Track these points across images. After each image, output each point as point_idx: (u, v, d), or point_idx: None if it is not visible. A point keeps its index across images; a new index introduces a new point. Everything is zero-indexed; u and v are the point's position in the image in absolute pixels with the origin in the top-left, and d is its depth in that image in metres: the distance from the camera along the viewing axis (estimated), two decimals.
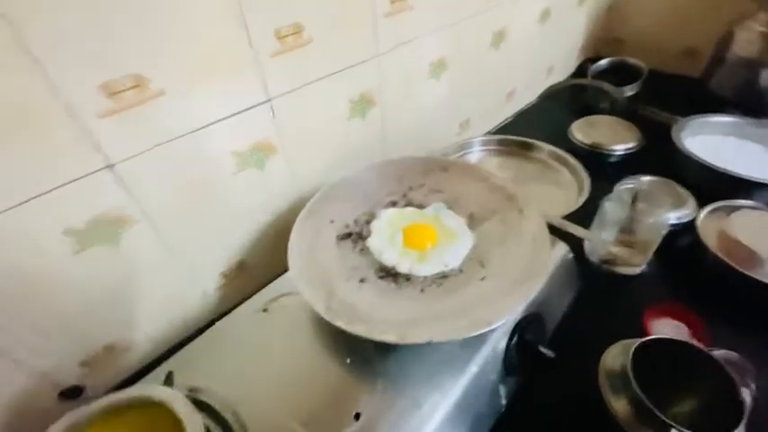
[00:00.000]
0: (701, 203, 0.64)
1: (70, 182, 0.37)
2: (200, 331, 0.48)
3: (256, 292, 0.51)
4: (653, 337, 0.37)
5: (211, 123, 0.45)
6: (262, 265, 0.60)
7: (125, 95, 0.38)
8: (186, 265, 0.51)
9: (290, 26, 0.48)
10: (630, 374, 0.34)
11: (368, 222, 0.50)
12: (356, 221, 0.50)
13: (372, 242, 0.46)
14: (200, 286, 0.55)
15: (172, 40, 0.39)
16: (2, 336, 0.39)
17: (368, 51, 0.58)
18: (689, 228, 0.62)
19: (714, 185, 0.68)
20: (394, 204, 0.52)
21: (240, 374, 0.40)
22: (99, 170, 0.39)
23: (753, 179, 0.65)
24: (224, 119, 0.46)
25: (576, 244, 0.57)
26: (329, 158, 0.61)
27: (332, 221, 0.50)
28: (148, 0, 0.36)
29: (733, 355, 0.46)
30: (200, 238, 0.51)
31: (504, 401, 0.42)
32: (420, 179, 0.54)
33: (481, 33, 0.77)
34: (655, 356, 0.36)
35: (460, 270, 0.43)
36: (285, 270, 0.52)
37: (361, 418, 0.35)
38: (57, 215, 0.38)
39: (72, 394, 0.47)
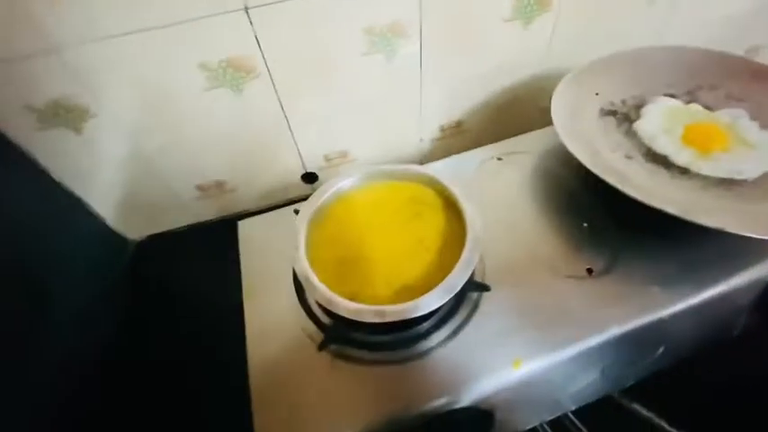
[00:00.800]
0: None
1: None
2: None
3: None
4: None
5: None
6: (477, 130, 0.60)
7: None
8: (419, 106, 0.53)
9: None
10: None
11: (638, 107, 0.44)
12: (623, 102, 0.45)
13: (643, 126, 0.41)
14: (419, 131, 0.58)
15: None
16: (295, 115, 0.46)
17: None
18: None
19: None
20: (673, 97, 0.45)
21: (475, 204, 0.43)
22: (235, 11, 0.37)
23: None
24: None
25: None
26: (603, 33, 0.53)
27: (597, 94, 0.45)
28: None
29: None
30: (442, 81, 0.51)
31: (735, 333, 0.38)
32: (716, 80, 0.45)
33: None
34: None
35: (756, 184, 0.36)
36: (501, 138, 0.51)
37: (593, 275, 0.35)
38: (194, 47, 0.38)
39: (309, 179, 0.57)
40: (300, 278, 0.30)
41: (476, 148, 0.53)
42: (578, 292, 0.35)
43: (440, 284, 0.28)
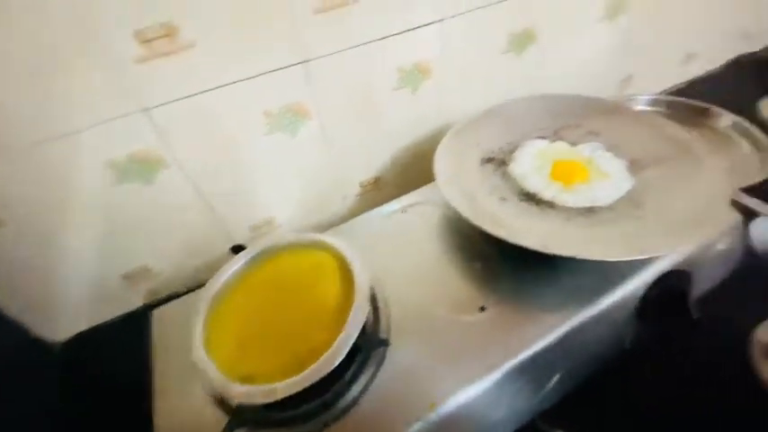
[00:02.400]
0: None
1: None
2: None
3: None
4: None
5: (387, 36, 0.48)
6: (394, 183, 0.65)
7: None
8: (338, 168, 0.58)
9: None
10: None
11: (512, 152, 0.50)
12: (501, 149, 0.51)
13: (515, 168, 0.47)
14: (341, 190, 0.62)
15: None
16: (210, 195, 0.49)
17: None
18: None
19: None
20: (543, 138, 0.51)
21: (380, 257, 0.46)
22: (134, 113, 0.40)
23: None
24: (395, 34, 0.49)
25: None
26: (481, 89, 0.61)
27: (478, 144, 0.51)
28: None
29: None
30: (355, 145, 0.57)
31: (627, 345, 0.41)
32: (576, 119, 0.52)
33: None
34: None
35: (612, 209, 0.42)
36: (416, 189, 0.56)
37: (485, 312, 0.38)
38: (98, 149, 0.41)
39: (239, 251, 0.59)
40: (197, 368, 0.31)
41: (393, 199, 0.57)
42: (475, 329, 0.38)
43: (326, 353, 0.30)
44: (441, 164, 0.47)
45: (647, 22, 0.69)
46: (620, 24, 0.66)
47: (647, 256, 0.33)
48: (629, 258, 0.33)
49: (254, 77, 0.44)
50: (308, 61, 0.46)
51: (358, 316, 0.32)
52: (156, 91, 0.40)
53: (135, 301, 0.56)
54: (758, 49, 0.92)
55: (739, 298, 0.45)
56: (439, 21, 0.51)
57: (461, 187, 0.45)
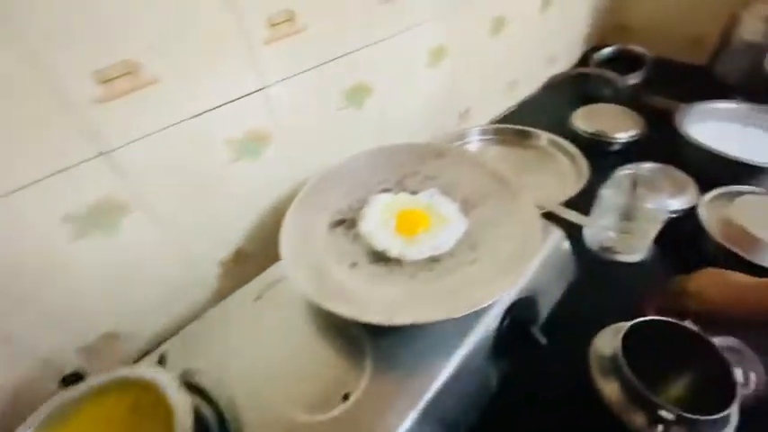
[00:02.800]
0: (704, 190, 0.63)
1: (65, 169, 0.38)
2: None
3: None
4: (644, 318, 0.37)
5: (206, 111, 0.45)
6: (261, 253, 0.61)
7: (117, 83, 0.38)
8: (185, 253, 0.52)
9: (283, 13, 0.48)
10: (620, 356, 0.34)
11: (360, 209, 0.50)
12: (350, 207, 0.50)
13: (364, 227, 0.46)
14: (199, 274, 0.55)
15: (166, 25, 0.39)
16: (7, 321, 0.40)
17: (363, 39, 0.58)
18: (690, 214, 0.61)
19: (716, 171, 0.67)
20: (388, 191, 0.52)
21: (234, 359, 0.41)
22: (94, 157, 0.39)
23: (756, 164, 0.64)
24: (219, 107, 0.46)
25: (576, 231, 0.56)
26: (326, 146, 0.61)
27: (325, 208, 0.50)
28: None
29: (733, 341, 0.46)
30: (198, 226, 0.51)
31: (494, 384, 0.42)
32: (415, 166, 0.54)
33: (480, 20, 0.76)
34: (646, 339, 0.36)
35: (451, 254, 0.43)
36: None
37: (350, 399, 0.36)
38: (54, 202, 0.39)
39: (73, 380, 0.48)
40: None
41: (262, 270, 0.53)
42: (337, 427, 0.35)
43: None
44: (286, 238, 0.44)
45: (466, 62, 0.77)
46: (444, 68, 0.73)
47: (482, 306, 0.35)
48: (466, 313, 0.34)
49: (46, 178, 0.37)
50: (109, 152, 0.40)
51: None
52: None
53: None
54: (565, 69, 1.10)
55: (581, 311, 0.50)
56: (261, 89, 0.50)
57: (310, 261, 0.43)
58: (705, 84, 0.93)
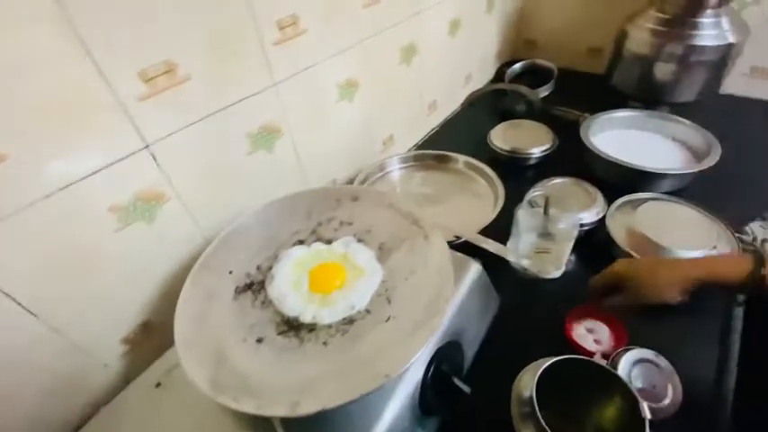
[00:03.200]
0: (610, 199, 0.67)
1: None
2: None
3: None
4: (557, 358, 0.37)
5: (79, 180, 0.40)
6: (171, 323, 0.55)
7: None
8: (75, 340, 0.45)
9: (160, 64, 0.44)
10: (534, 402, 0.33)
11: (271, 268, 0.46)
12: (259, 268, 0.46)
13: (273, 290, 0.43)
14: (96, 359, 0.48)
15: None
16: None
17: (261, 83, 0.55)
18: (601, 225, 0.64)
19: (619, 180, 0.71)
20: (301, 243, 0.49)
21: None
22: None
23: (653, 170, 0.69)
24: (95, 172, 0.41)
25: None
26: (236, 196, 0.57)
27: (230, 272, 0.45)
28: None
29: (649, 353, 0.48)
30: (87, 307, 0.45)
31: None
32: (330, 212, 0.51)
33: (388, 51, 0.76)
34: (562, 376, 0.36)
35: (368, 311, 0.41)
36: None
37: None
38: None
39: None
40: None
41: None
42: None
43: None
44: (182, 315, 0.40)
45: (381, 92, 0.77)
46: (358, 101, 0.72)
47: (391, 378, 0.32)
48: (373, 389, 0.32)
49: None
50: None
51: None
52: None
53: None
54: (482, 86, 1.14)
55: (509, 339, 0.50)
56: (144, 147, 0.45)
57: (209, 341, 0.38)
58: (605, 93, 1.01)
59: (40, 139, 0.37)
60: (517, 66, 1.13)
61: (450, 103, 1.05)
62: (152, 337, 0.53)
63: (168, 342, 0.48)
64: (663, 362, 0.47)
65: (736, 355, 0.52)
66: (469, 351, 0.46)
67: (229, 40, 0.49)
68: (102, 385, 0.50)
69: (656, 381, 0.45)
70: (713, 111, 0.87)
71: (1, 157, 0.35)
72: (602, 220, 0.64)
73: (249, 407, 0.31)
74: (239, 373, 0.35)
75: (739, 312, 0.56)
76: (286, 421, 0.34)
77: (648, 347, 0.48)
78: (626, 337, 0.52)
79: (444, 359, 0.41)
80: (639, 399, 0.33)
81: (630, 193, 0.68)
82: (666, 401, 0.44)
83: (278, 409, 0.31)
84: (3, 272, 0.37)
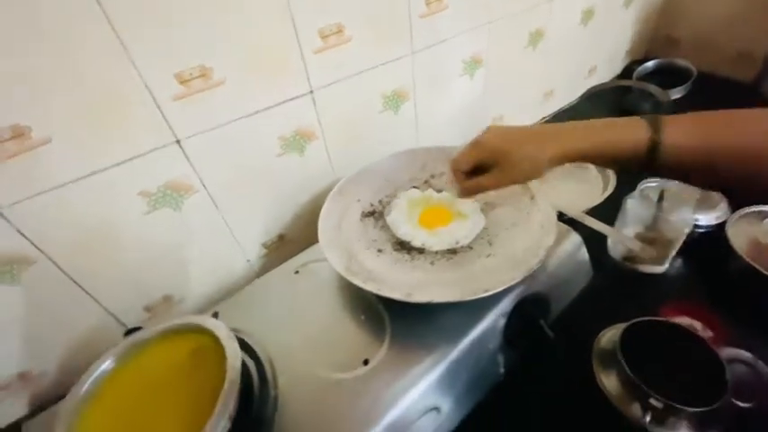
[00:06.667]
0: (735, 207, 0.63)
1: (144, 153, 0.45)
2: None
3: None
4: (643, 318, 0.39)
5: (260, 111, 0.52)
6: (299, 239, 0.68)
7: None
8: (234, 235, 0.59)
9: (333, 25, 0.54)
10: (619, 351, 0.36)
11: (390, 203, 0.55)
12: (380, 201, 0.56)
13: (390, 219, 0.51)
14: (244, 255, 0.63)
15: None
16: (90, 280, 0.48)
17: (403, 49, 0.63)
18: (719, 231, 0.61)
19: None
20: (416, 188, 0.57)
21: (273, 323, 0.47)
22: (168, 144, 0.47)
23: None
24: (271, 107, 0.53)
25: (600, 238, 0.58)
26: (364, 146, 0.67)
27: (358, 200, 0.55)
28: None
29: (746, 354, 0.46)
30: (248, 211, 0.59)
31: (502, 370, 0.46)
32: (441, 167, 0.59)
33: (517, 33, 0.79)
34: (646, 337, 0.38)
35: (470, 247, 0.47)
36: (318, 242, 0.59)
37: (369, 364, 0.41)
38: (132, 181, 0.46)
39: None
40: None
41: (301, 252, 0.59)
42: (359, 385, 0.40)
43: None
44: (324, 224, 0.50)
45: (501, 72, 0.81)
46: (478, 78, 0.77)
47: (489, 294, 0.38)
48: (477, 296, 0.38)
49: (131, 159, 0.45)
50: (181, 140, 0.48)
51: (224, 403, 0.33)
52: None
53: (15, 413, 0.51)
54: (606, 81, 1.10)
55: (593, 313, 0.52)
56: (308, 93, 0.56)
57: (342, 244, 0.48)
58: (750, 102, 0.90)
59: (82, 126, 0.41)
60: (650, 63, 1.06)
61: (568, 94, 1.03)
62: (284, 247, 0.66)
63: (295, 253, 0.60)
64: (761, 366, 0.45)
65: None
66: (557, 307, 0.50)
67: (384, 11, 0.58)
68: (243, 276, 0.64)
69: (748, 382, 0.44)
70: None
71: (46, 140, 0.40)
72: (721, 226, 0.61)
73: (373, 288, 0.40)
74: (365, 267, 0.44)
75: None
76: (392, 311, 0.43)
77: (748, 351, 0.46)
78: (724, 340, 0.50)
79: (533, 305, 0.46)
80: (723, 360, 0.34)
81: (760, 204, 0.63)
82: (754, 403, 0.43)
83: (396, 294, 0.39)
84: (204, 169, 0.51)
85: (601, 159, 0.37)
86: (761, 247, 0.57)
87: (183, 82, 0.45)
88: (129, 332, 0.48)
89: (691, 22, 1.09)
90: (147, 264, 0.53)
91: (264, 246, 0.65)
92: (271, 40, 0.49)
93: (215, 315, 0.45)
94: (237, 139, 0.52)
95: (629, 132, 0.34)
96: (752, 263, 0.56)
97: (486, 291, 0.38)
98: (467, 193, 0.42)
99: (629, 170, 0.36)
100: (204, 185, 0.52)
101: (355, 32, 0.56)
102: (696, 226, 0.61)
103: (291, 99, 0.55)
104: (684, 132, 0.33)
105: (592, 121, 0.38)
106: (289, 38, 0.51)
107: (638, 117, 0.35)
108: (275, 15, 0.48)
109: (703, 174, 0.34)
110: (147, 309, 0.57)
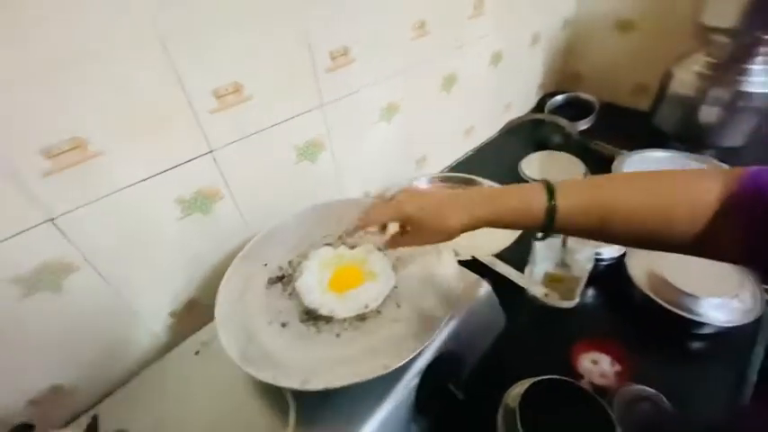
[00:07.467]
0: None
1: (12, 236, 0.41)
2: None
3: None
4: (544, 377, 0.40)
5: (153, 175, 0.49)
6: (213, 303, 0.63)
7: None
8: (132, 308, 0.54)
9: (229, 85, 0.52)
10: (517, 415, 0.36)
11: (300, 264, 0.53)
12: (290, 263, 0.53)
13: (299, 284, 0.49)
14: (147, 328, 0.57)
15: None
16: None
17: (311, 102, 0.62)
18: (620, 263, 0.65)
19: None
20: (329, 245, 0.55)
21: (168, 414, 0.43)
22: (40, 224, 0.42)
23: None
24: (161, 172, 0.49)
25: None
26: (282, 198, 0.65)
27: (265, 265, 0.53)
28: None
29: (651, 391, 0.48)
30: (147, 281, 0.54)
31: None
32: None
33: (430, 79, 0.82)
34: (544, 398, 0.38)
35: (378, 311, 0.46)
36: None
37: None
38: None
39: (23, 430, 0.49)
40: None
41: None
42: None
43: None
44: (223, 297, 0.47)
45: (419, 115, 0.83)
46: (396, 122, 0.78)
47: (389, 371, 0.37)
48: (372, 377, 0.37)
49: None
50: (54, 219, 0.43)
51: None
52: None
53: None
54: (522, 114, 1.17)
55: (509, 360, 0.53)
56: (208, 153, 0.53)
57: (242, 322, 0.45)
58: (647, 130, 1.00)
59: (130, 140, 0.46)
60: (559, 97, 1.15)
61: (487, 129, 1.08)
62: (194, 313, 0.61)
63: (207, 318, 0.56)
64: (666, 404, 0.47)
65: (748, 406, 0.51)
66: (469, 362, 0.50)
67: (287, 69, 0.57)
68: (150, 350, 0.58)
69: (654, 421, 0.46)
70: (763, 156, 0.84)
71: (98, 152, 0.44)
72: (621, 258, 0.65)
73: (268, 378, 0.37)
74: (264, 350, 0.41)
75: (756, 362, 0.54)
76: (296, 394, 0.40)
77: (654, 388, 0.48)
78: (631, 374, 0.52)
79: (443, 366, 0.45)
80: (615, 422, 0.35)
81: None
82: None
83: (292, 382, 0.36)
84: (87, 242, 0.46)
85: (505, 225, 0.39)
86: (656, 277, 0.61)
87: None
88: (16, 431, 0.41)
89: (592, 59, 1.20)
90: (23, 359, 0.46)
91: (172, 315, 0.59)
92: (154, 102, 0.47)
93: (94, 419, 0.40)
94: (125, 209, 0.48)
95: (527, 200, 0.37)
96: (649, 294, 0.59)
97: (387, 368, 0.37)
98: (388, 246, 0.46)
99: (534, 232, 0.38)
100: (87, 260, 0.47)
101: (255, 90, 0.55)
102: (600, 260, 0.65)
103: (187, 162, 0.52)
104: (576, 196, 0.36)
105: (497, 188, 0.41)
106: (176, 99, 0.48)
107: (539, 183, 0.37)
108: (157, 78, 0.46)
109: (601, 233, 0.36)
110: (33, 403, 0.49)
